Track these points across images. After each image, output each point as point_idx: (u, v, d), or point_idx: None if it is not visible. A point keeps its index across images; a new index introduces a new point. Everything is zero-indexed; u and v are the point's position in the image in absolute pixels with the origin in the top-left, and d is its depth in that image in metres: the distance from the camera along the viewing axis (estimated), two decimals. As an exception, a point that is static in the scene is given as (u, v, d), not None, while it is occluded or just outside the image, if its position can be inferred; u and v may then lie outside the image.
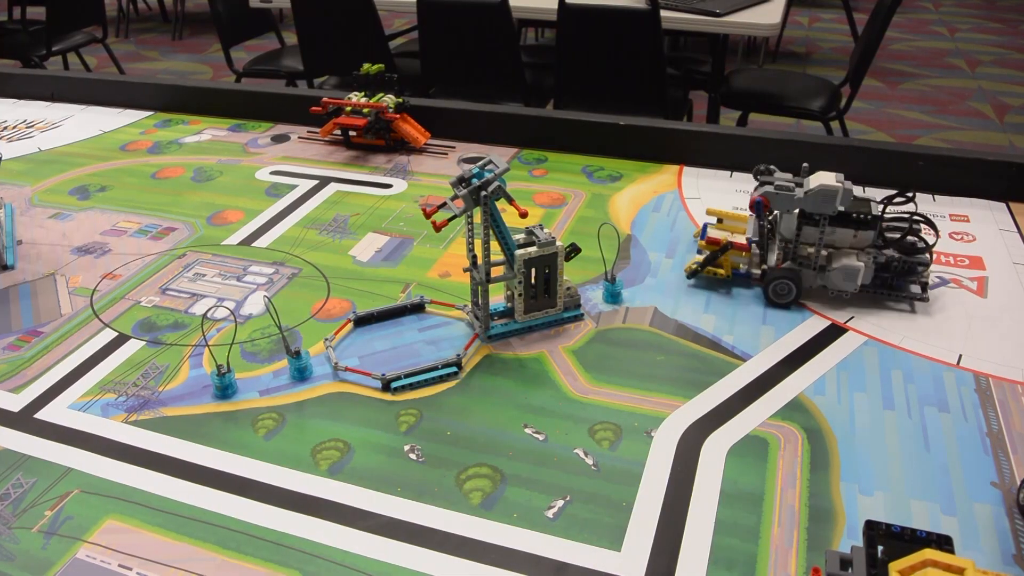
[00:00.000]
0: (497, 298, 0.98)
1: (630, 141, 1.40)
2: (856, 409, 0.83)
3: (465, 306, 0.98)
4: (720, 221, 1.10)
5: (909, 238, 0.98)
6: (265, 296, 1.01)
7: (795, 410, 0.83)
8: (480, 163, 0.88)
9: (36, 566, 0.69)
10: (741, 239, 1.04)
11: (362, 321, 0.96)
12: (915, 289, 1.00)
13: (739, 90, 3.04)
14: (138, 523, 0.72)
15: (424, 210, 0.88)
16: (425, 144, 1.45)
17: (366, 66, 1.44)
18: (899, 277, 0.98)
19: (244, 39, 3.64)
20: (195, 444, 0.80)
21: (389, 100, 1.41)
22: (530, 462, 0.77)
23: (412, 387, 0.86)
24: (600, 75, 2.65)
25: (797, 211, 0.95)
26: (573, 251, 0.95)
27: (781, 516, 0.71)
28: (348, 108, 1.41)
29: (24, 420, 0.85)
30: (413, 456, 0.78)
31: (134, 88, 1.75)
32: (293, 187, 1.32)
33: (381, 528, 0.71)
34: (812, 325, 0.95)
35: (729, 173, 1.33)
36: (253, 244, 1.15)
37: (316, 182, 1.34)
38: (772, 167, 1.00)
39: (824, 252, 0.98)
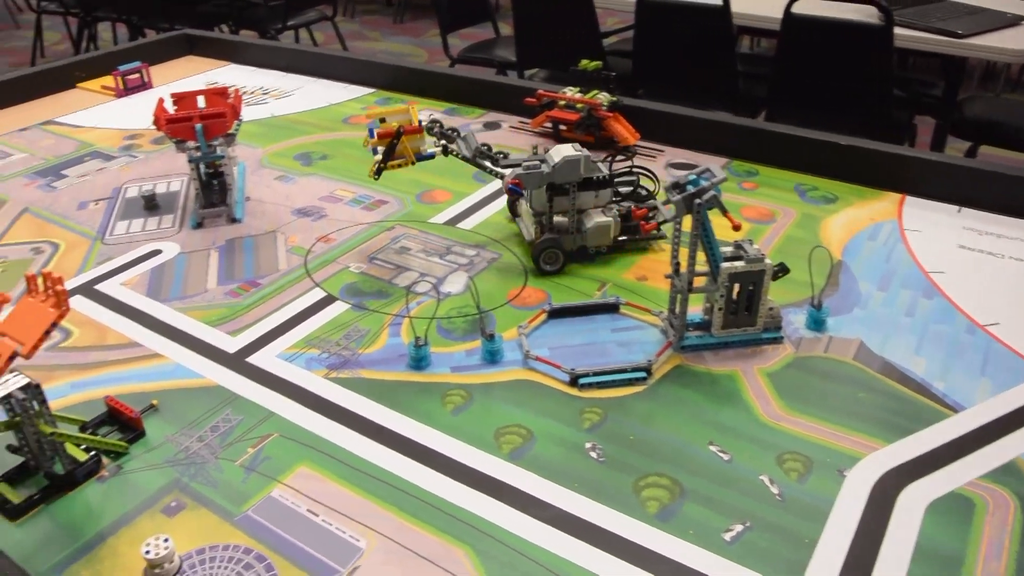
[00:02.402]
0: (695, 309, 0.96)
1: (848, 162, 1.34)
2: (1085, 484, 0.75)
3: (661, 312, 0.97)
4: (383, 120, 1.10)
5: (639, 190, 1.14)
6: (469, 277, 1.05)
7: (1010, 475, 0.76)
8: (697, 170, 0.87)
9: (235, 496, 0.75)
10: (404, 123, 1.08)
11: (556, 314, 0.98)
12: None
13: (973, 119, 2.82)
14: (328, 473, 0.77)
15: (633, 212, 0.88)
16: (633, 144, 1.45)
17: (584, 62, 1.46)
18: (634, 224, 1.11)
19: (461, 27, 3.78)
20: (386, 408, 0.85)
21: (603, 98, 1.41)
22: (712, 480, 0.76)
23: (599, 386, 0.87)
24: (819, 89, 2.54)
25: (545, 185, 1.05)
26: (782, 271, 0.92)
27: (984, 585, 0.66)
28: (562, 102, 1.44)
29: (237, 362, 0.93)
30: (593, 455, 0.79)
31: (360, 65, 1.86)
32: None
33: (555, 520, 0.72)
34: (1041, 384, 0.87)
35: (957, 208, 1.24)
36: (457, 225, 1.19)
37: (522, 171, 1.36)
38: (503, 152, 1.10)
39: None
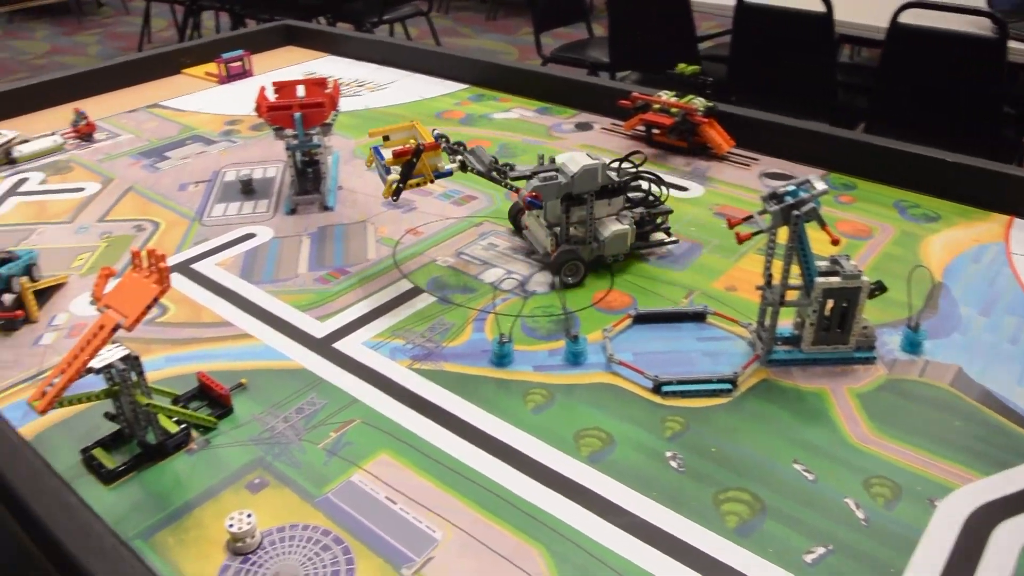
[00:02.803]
0: (785, 323, 0.95)
1: (953, 180, 1.29)
2: None
3: (749, 324, 0.95)
4: (387, 138, 1.06)
5: (644, 194, 1.12)
6: (556, 278, 1.05)
7: (1118, 518, 0.73)
8: (796, 181, 0.85)
9: (316, 478, 0.77)
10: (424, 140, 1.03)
11: (642, 319, 0.97)
12: (661, 236, 1.13)
13: (1088, 142, 2.68)
14: (408, 463, 0.78)
15: (729, 220, 0.86)
16: (728, 152, 1.43)
17: (681, 66, 1.44)
18: (647, 230, 1.11)
19: (555, 26, 3.78)
20: (468, 402, 0.85)
21: (699, 103, 1.40)
22: (795, 499, 0.74)
23: (683, 395, 0.86)
24: (923, 102, 2.46)
25: (559, 196, 1.03)
26: (879, 289, 0.89)
27: (1084, 632, 0.63)
28: (656, 106, 1.42)
29: (324, 347, 0.95)
30: (674, 464, 0.78)
31: (454, 61, 1.88)
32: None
33: (632, 527, 0.71)
34: None
35: (1070, 234, 1.19)
36: (545, 224, 1.19)
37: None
38: (509, 164, 1.06)
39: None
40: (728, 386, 0.86)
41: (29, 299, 1.02)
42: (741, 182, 1.33)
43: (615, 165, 1.10)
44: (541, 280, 1.06)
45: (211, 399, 0.87)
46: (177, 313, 1.02)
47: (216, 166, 1.46)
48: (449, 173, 1.02)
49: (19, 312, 1.00)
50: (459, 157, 1.04)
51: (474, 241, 1.16)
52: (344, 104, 1.71)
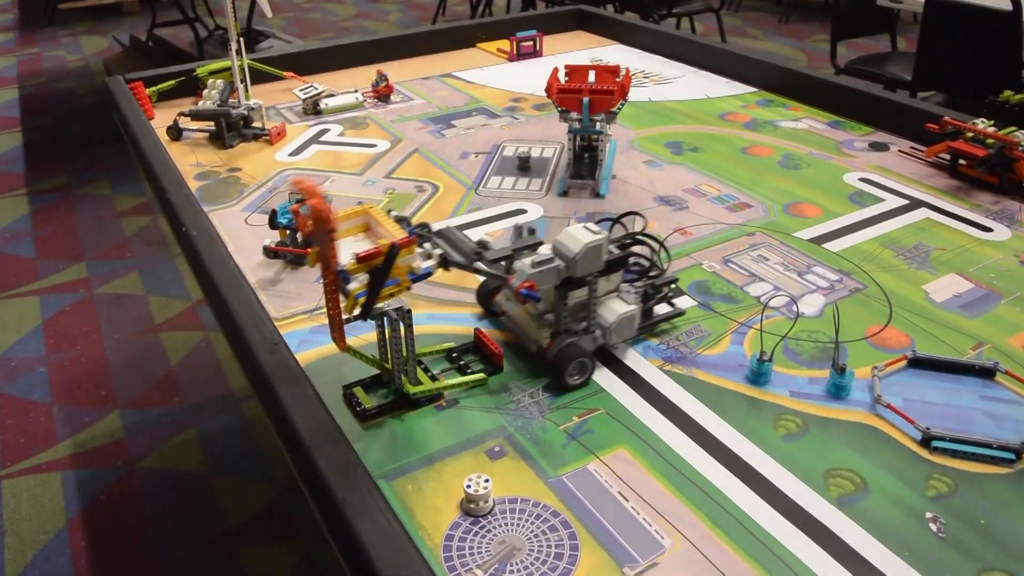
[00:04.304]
0: (1094, 398, 0.84)
1: None
2: None
3: (1048, 392, 0.86)
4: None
5: (641, 261, 0.98)
6: (833, 306, 1.00)
7: None
8: None
9: (553, 458, 0.78)
10: (392, 234, 0.78)
11: (919, 363, 0.90)
12: (666, 308, 0.98)
13: None
14: (645, 463, 0.78)
15: None
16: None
17: (1007, 93, 1.31)
18: (650, 305, 0.97)
19: (855, 35, 3.57)
20: (716, 415, 0.84)
21: (1022, 136, 1.26)
22: (1078, 599, 0.66)
23: (955, 454, 0.79)
24: None
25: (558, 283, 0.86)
26: None
27: None
28: (969, 134, 1.31)
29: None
30: (933, 527, 0.72)
31: (745, 63, 1.83)
32: (879, 200, 1.27)
33: (877, 584, 0.67)
34: None
35: None
36: (823, 245, 1.14)
37: (906, 202, 1.27)
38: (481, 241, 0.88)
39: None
40: (1011, 455, 0.78)
41: (319, 240, 1.12)
42: (1059, 232, 1.19)
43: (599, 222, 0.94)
44: (813, 302, 1.01)
45: (484, 355, 0.92)
46: (444, 274, 1.08)
47: (497, 139, 1.52)
48: (428, 274, 0.81)
49: (309, 250, 1.11)
50: (437, 251, 0.84)
51: (744, 251, 1.13)
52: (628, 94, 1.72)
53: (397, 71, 1.91)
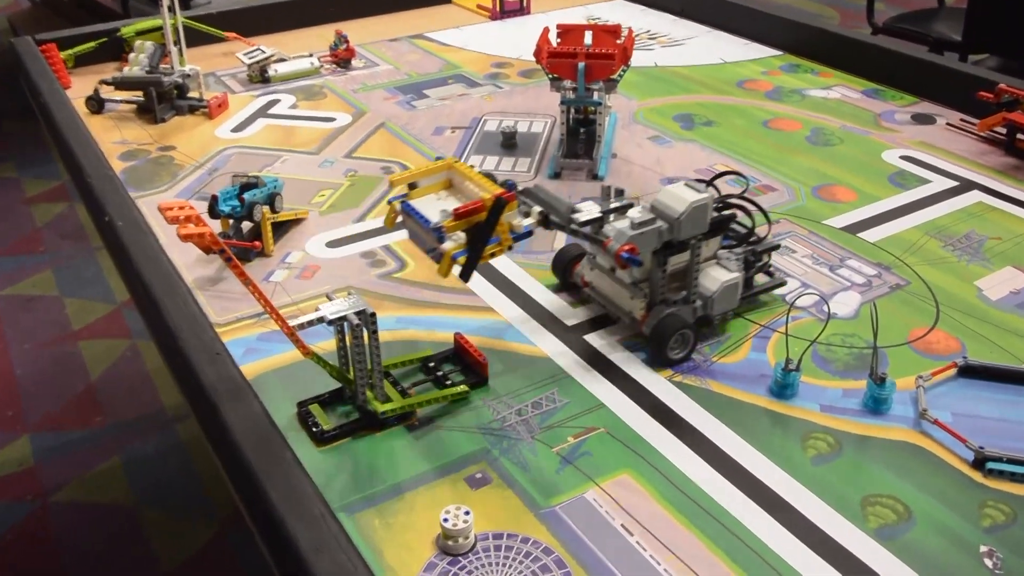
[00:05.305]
0: None
1: None
2: None
3: (1121, 405, 0.87)
4: (414, 186, 0.89)
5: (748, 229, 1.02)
6: (871, 305, 1.01)
7: None
8: None
9: (545, 486, 0.79)
10: (484, 190, 0.85)
11: (971, 371, 0.91)
12: (765, 279, 1.03)
13: None
14: (652, 490, 0.79)
15: None
16: None
17: (1072, 57, 1.33)
18: (751, 274, 1.01)
19: (897, -11, 3.60)
20: (733, 433, 0.84)
21: (1089, 107, 1.28)
22: None
23: (1013, 477, 0.80)
24: None
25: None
26: None
27: None
28: (1029, 103, 1.33)
29: (574, 337, 0.98)
30: (988, 563, 0.72)
31: (766, 21, 1.84)
32: (926, 181, 1.28)
33: (923, 629, 0.68)
34: None
35: None
36: (859, 234, 1.15)
37: (956, 183, 1.28)
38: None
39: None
40: (1079, 479, 0.79)
41: (267, 231, 1.12)
42: None
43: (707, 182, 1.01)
44: (848, 301, 1.02)
45: (465, 365, 0.92)
46: (415, 270, 1.09)
47: (477, 112, 1.53)
48: (528, 234, 0.88)
49: (256, 243, 1.11)
50: (538, 209, 0.89)
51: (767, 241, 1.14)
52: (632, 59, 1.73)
53: (359, 32, 1.91)
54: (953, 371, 0.92)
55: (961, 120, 1.49)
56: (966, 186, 1.28)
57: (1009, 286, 1.06)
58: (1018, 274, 1.08)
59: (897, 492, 0.79)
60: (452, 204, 0.83)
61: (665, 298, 0.94)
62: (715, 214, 0.94)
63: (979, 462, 0.81)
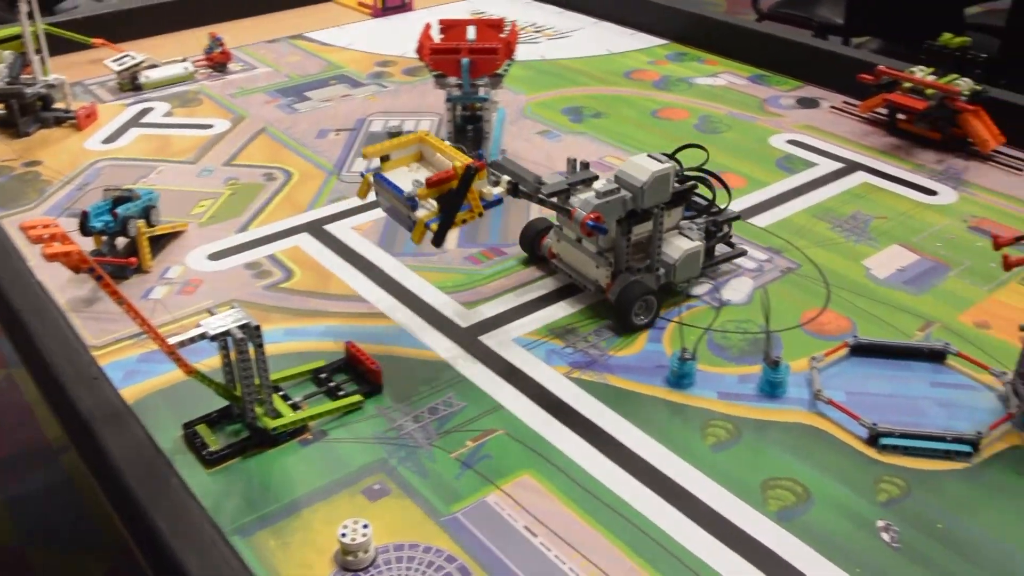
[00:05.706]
0: (1052, 376, 0.89)
1: None
2: None
3: (1004, 374, 0.91)
4: (386, 159, 0.95)
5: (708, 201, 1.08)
6: (762, 290, 1.04)
7: None
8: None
9: (445, 493, 0.79)
10: (455, 160, 0.90)
11: (862, 350, 0.94)
12: (725, 248, 1.09)
13: None
14: (555, 489, 0.79)
15: (995, 239, 0.83)
16: (993, 150, 1.36)
17: (946, 36, 1.38)
18: (711, 244, 1.06)
19: (780, -26, 3.69)
20: (634, 427, 0.86)
21: (964, 85, 1.34)
22: (1047, 606, 0.70)
23: (906, 451, 0.83)
24: None
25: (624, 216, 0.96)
26: None
27: None
28: (907, 84, 1.37)
29: (469, 339, 0.98)
30: (886, 537, 0.75)
31: (652, 10, 1.88)
32: (812, 165, 1.33)
33: (825, 608, 0.70)
34: None
35: None
36: (749, 220, 1.18)
37: (841, 165, 1.33)
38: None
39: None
40: (967, 448, 0.83)
41: (144, 246, 1.10)
42: (1009, 190, 1.27)
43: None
44: (740, 288, 1.05)
45: (358, 374, 0.91)
46: (302, 279, 1.08)
47: (362, 113, 1.52)
48: (498, 201, 0.93)
49: (132, 260, 1.08)
50: (507, 179, 0.94)
51: (658, 231, 1.16)
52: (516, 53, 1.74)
53: (235, 34, 1.87)
54: (845, 351, 0.95)
55: (844, 103, 1.53)
56: (851, 167, 1.32)
57: (896, 263, 1.10)
58: (903, 252, 1.12)
59: (795, 474, 0.81)
60: (424, 175, 0.89)
61: (630, 266, 0.99)
62: (677, 186, 1.00)
63: (873, 438, 0.84)
